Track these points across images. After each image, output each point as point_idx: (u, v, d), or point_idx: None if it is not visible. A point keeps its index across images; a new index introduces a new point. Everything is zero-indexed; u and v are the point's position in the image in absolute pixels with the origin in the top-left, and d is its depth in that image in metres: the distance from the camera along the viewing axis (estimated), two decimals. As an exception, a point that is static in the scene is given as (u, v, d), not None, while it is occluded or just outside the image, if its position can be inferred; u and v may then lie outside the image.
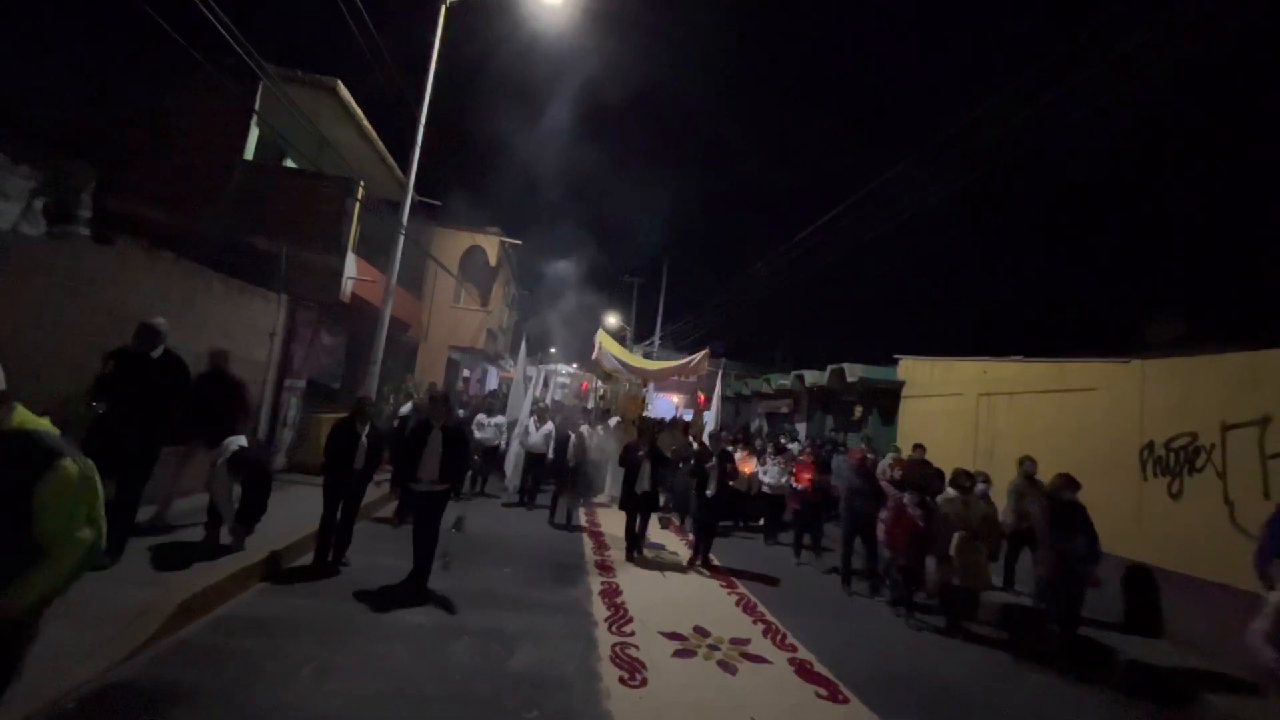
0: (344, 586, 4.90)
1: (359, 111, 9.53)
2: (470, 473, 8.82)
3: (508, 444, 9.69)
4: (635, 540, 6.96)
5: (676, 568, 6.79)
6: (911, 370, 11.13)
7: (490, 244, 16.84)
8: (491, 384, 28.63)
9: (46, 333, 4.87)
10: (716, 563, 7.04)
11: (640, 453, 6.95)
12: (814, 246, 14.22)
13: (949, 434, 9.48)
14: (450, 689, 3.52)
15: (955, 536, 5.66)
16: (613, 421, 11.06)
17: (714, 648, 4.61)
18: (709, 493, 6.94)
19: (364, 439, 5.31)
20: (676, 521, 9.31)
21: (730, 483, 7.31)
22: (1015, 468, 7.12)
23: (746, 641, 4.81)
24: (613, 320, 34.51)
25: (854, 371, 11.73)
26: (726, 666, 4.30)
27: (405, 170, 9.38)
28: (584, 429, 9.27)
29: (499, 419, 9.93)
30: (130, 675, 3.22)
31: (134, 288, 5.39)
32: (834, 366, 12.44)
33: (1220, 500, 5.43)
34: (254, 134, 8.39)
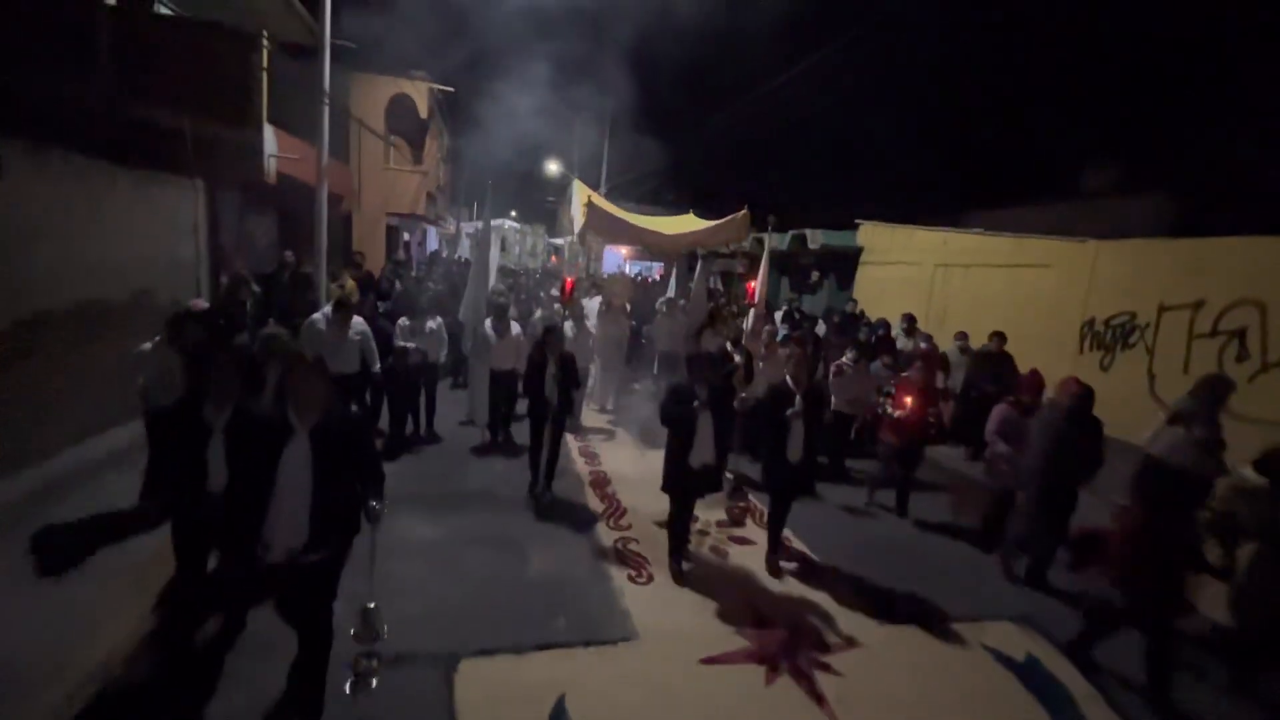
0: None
1: (241, -72, 7.59)
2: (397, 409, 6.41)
3: (453, 358, 7.19)
4: (682, 539, 4.46)
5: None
6: (871, 236, 11.24)
7: (419, 91, 14.82)
8: (432, 245, 27.07)
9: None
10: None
11: (696, 401, 4.12)
12: (772, 99, 13.29)
13: (903, 302, 9.89)
14: (477, 602, 3.81)
15: (1250, 549, 3.40)
16: (593, 303, 8.76)
17: (703, 533, 5.07)
18: (791, 455, 4.41)
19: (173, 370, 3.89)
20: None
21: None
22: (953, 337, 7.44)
23: (730, 524, 5.31)
24: (554, 167, 32.35)
25: (815, 239, 11.74)
26: (718, 551, 4.80)
27: (314, 10, 7.83)
28: (568, 325, 7.10)
29: (433, 323, 6.58)
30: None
31: (21, 198, 4.54)
32: (796, 232, 12.37)
33: (1144, 373, 6.09)
34: (109, -36, 6.62)
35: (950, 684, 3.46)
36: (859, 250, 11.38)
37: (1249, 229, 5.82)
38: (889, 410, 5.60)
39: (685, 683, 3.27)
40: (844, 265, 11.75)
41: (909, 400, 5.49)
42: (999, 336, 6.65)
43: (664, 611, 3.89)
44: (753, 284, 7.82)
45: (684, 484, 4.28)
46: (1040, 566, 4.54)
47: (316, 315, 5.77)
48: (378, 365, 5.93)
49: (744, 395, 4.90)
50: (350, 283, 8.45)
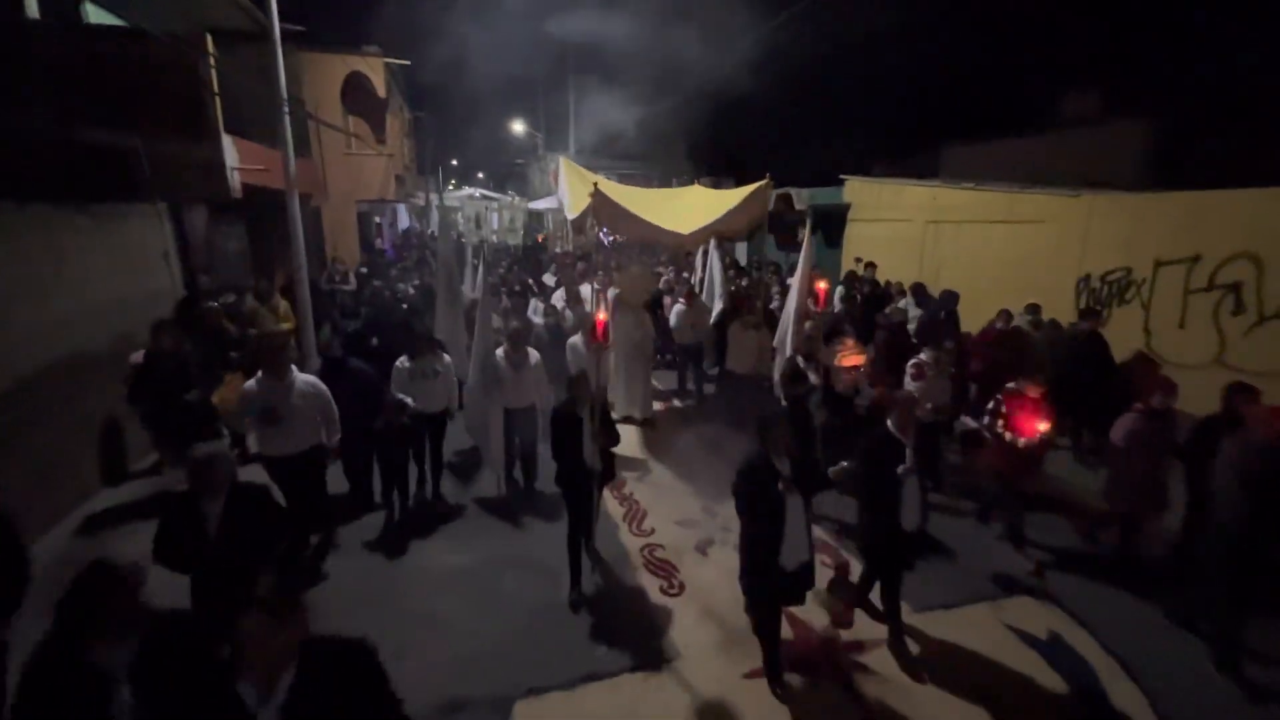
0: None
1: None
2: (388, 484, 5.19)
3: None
4: (773, 651, 3.52)
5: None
6: (858, 192, 11.06)
7: (374, 67, 14.01)
8: (404, 223, 26.22)
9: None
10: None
11: (780, 480, 3.18)
12: (748, 53, 12.78)
13: (895, 259, 9.85)
14: (518, 635, 3.87)
15: None
16: (584, 289, 7.75)
17: (726, 529, 5.14)
18: (907, 523, 3.47)
19: None
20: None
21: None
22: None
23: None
24: (519, 127, 31.17)
25: (801, 198, 11.53)
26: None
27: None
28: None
29: (439, 364, 5.18)
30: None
31: (-15, 261, 4.28)
32: (780, 191, 12.13)
33: (1140, 330, 6.17)
34: (26, -27, 6.04)
35: (983, 668, 3.63)
36: (846, 207, 11.23)
37: (1239, 169, 5.79)
38: (1002, 433, 4.40)
39: (733, 700, 3.39)
40: (831, 221, 11.61)
41: (1040, 426, 4.30)
42: (1093, 314, 5.68)
43: (701, 625, 3.99)
44: (822, 285, 6.40)
45: (774, 588, 3.33)
46: (1229, 646, 3.61)
47: (250, 384, 4.19)
48: (337, 436, 4.42)
49: (844, 464, 4.06)
50: (284, 303, 7.36)
